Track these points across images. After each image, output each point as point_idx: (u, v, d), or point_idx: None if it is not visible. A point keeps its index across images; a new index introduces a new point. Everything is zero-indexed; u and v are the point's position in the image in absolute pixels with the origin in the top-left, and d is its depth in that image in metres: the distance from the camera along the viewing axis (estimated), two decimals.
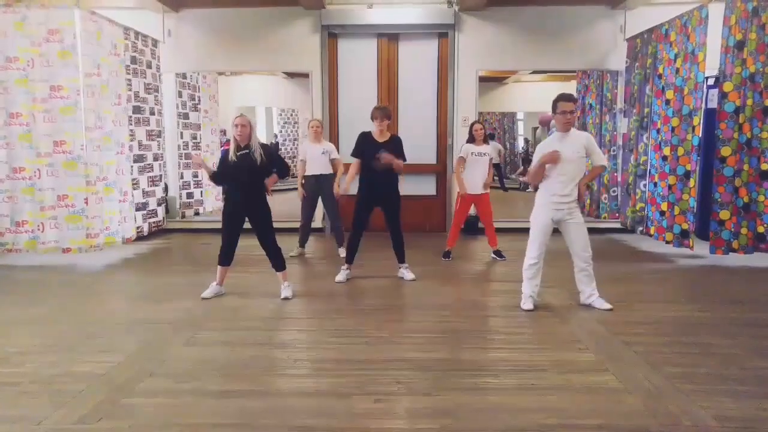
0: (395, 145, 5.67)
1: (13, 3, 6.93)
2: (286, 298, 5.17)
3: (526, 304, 4.85)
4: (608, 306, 4.80)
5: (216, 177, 5.20)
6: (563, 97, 4.64)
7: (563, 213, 4.71)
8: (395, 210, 5.76)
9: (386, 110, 5.69)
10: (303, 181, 6.93)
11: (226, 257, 5.22)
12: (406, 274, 5.90)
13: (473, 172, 6.65)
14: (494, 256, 6.89)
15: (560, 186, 4.66)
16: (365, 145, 5.64)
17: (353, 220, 5.73)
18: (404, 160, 5.69)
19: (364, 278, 5.91)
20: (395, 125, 8.71)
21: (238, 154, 4.96)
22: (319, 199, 7.07)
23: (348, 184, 5.89)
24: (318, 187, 6.90)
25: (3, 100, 6.71)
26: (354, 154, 5.74)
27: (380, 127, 5.59)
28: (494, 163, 7.06)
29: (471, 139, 6.70)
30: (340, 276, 5.81)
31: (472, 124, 6.81)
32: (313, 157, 6.85)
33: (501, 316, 4.77)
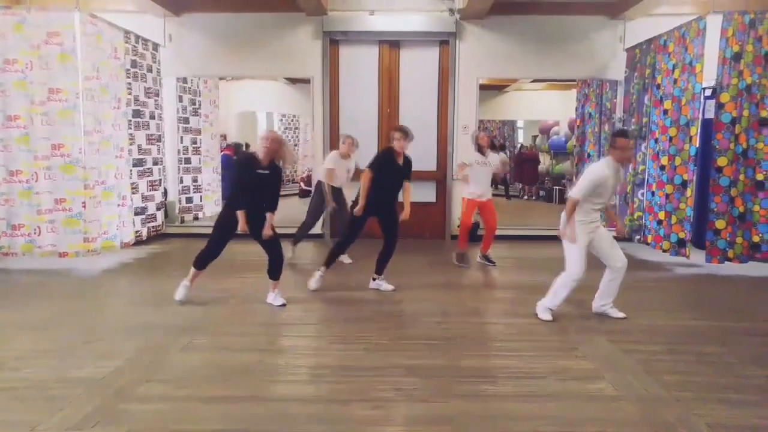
0: (408, 168, 5.67)
1: (13, 5, 6.95)
2: (283, 305, 5.13)
3: (545, 314, 4.82)
4: (621, 315, 4.83)
5: (240, 201, 4.99)
6: (621, 134, 4.83)
7: (592, 233, 4.72)
8: (395, 219, 5.66)
9: (409, 131, 5.61)
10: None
11: (204, 263, 5.13)
12: (383, 284, 5.77)
13: (477, 180, 6.72)
14: (481, 260, 6.96)
15: (597, 213, 4.72)
16: (386, 163, 5.55)
17: (350, 226, 5.69)
18: (409, 179, 5.70)
19: (364, 285, 5.87)
20: None
21: (258, 172, 4.88)
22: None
23: (362, 206, 5.53)
24: (338, 198, 6.96)
25: (1, 102, 6.68)
26: (372, 166, 5.57)
27: (400, 147, 5.52)
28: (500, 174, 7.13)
29: (478, 149, 6.76)
30: (314, 283, 5.67)
31: (477, 134, 6.87)
32: (341, 171, 6.87)
33: (500, 323, 4.78)
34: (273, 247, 5.10)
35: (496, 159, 6.85)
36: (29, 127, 6.71)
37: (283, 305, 5.14)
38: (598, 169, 4.62)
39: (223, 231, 5.10)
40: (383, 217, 5.68)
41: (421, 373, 3.64)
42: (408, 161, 5.70)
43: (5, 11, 6.70)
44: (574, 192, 4.64)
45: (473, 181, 6.74)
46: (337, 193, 6.95)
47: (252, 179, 4.90)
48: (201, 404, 3.22)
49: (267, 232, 4.95)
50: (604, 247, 4.77)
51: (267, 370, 3.74)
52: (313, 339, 4.42)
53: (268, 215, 4.97)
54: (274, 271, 5.19)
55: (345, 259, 6.81)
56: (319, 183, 6.95)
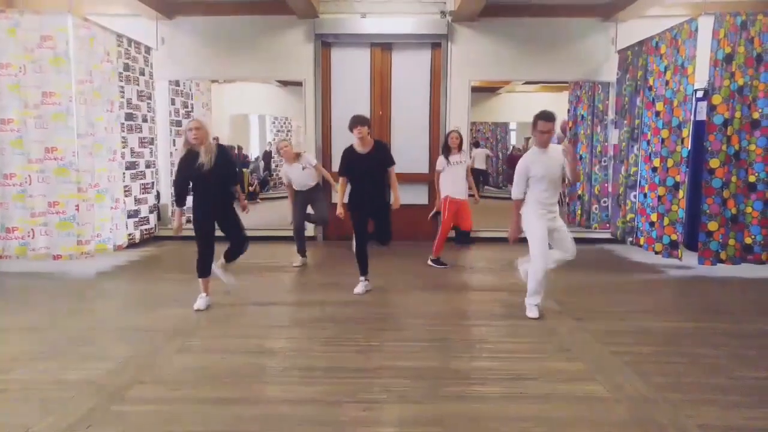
0: (381, 152, 5.58)
1: (6, 9, 6.94)
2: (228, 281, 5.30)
3: (532, 312, 4.89)
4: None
5: (181, 199, 5.09)
6: (542, 116, 4.70)
7: (548, 221, 4.82)
8: (386, 219, 5.65)
9: (360, 117, 5.51)
10: (294, 200, 6.97)
11: (206, 268, 5.08)
12: (359, 287, 5.72)
13: (453, 180, 6.76)
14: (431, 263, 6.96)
15: (546, 195, 4.79)
16: (350, 161, 5.53)
17: (355, 233, 5.66)
18: (393, 163, 5.60)
19: (355, 286, 5.87)
20: (388, 134, 8.75)
21: (199, 164, 4.87)
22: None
23: (342, 207, 5.66)
24: (309, 197, 6.98)
25: None
26: (341, 173, 5.61)
27: (359, 135, 5.43)
28: (480, 169, 7.18)
29: (446, 149, 6.77)
30: (359, 288, 5.71)
31: (449, 133, 6.88)
32: (296, 176, 6.84)
33: (490, 325, 4.78)
34: (236, 231, 5.19)
35: (466, 157, 6.82)
36: (23, 130, 6.71)
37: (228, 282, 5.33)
38: (520, 162, 4.86)
39: (202, 233, 5.06)
40: (374, 218, 5.66)
41: (411, 375, 3.65)
42: (378, 146, 5.60)
43: None
44: (512, 193, 4.90)
45: (447, 181, 6.77)
46: (306, 193, 6.95)
47: (197, 173, 4.89)
48: (194, 406, 3.23)
49: (243, 203, 5.31)
50: (560, 243, 4.90)
51: (259, 372, 3.75)
52: (304, 341, 4.42)
53: (235, 189, 5.22)
54: (235, 251, 5.26)
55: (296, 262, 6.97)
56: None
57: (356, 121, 5.42)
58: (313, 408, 3.21)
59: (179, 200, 5.09)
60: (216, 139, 12.73)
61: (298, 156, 6.86)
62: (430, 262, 6.93)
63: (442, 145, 6.94)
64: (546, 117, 4.68)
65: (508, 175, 15.80)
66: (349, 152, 5.55)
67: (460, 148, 6.77)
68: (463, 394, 3.38)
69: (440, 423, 3.03)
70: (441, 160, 6.83)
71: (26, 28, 6.61)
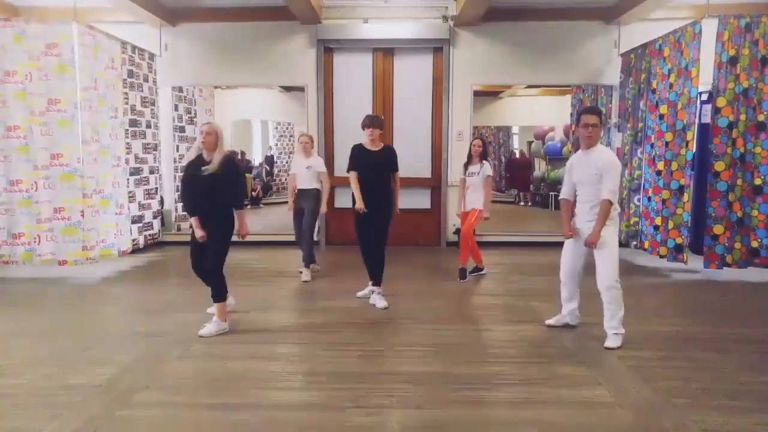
0: (389, 156, 5.56)
1: (12, 17, 6.98)
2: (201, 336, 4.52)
3: (550, 320, 4.80)
4: (617, 344, 4.29)
5: (195, 208, 4.59)
6: (586, 110, 4.32)
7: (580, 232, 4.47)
8: (385, 221, 5.48)
9: (376, 119, 5.56)
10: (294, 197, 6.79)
11: (217, 292, 4.62)
12: (378, 300, 5.44)
13: (468, 192, 6.56)
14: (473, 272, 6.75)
15: (579, 207, 4.47)
16: (360, 157, 5.49)
17: (359, 241, 5.52)
18: (397, 169, 5.57)
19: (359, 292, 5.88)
20: (390, 139, 8.76)
21: (203, 168, 4.48)
22: None
23: (361, 202, 5.37)
24: (302, 200, 6.69)
25: (1, 113, 6.72)
26: (351, 168, 5.50)
27: (371, 137, 5.46)
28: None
29: (469, 156, 6.61)
30: (363, 291, 5.65)
31: (471, 141, 6.69)
32: (298, 171, 6.71)
33: (495, 330, 4.78)
34: (211, 260, 4.61)
35: (481, 169, 6.47)
36: (29, 137, 6.75)
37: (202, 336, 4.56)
38: (573, 156, 4.59)
39: (195, 250, 4.74)
40: (374, 216, 5.45)
41: (415, 380, 3.64)
42: (387, 150, 5.58)
43: (4, 23, 6.73)
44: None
45: (467, 192, 6.59)
46: (305, 195, 6.68)
47: (198, 180, 4.50)
48: (197, 411, 3.23)
49: (244, 231, 4.74)
50: (594, 261, 4.39)
51: (262, 378, 3.74)
52: (306, 346, 4.42)
53: (237, 214, 4.67)
54: (213, 290, 4.66)
55: (303, 275, 6.56)
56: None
57: (369, 122, 5.48)
58: (316, 413, 3.20)
59: (193, 209, 4.61)
60: (235, 153, 12.66)
61: (310, 152, 6.75)
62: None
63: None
64: (589, 110, 4.31)
65: (509, 180, 15.78)
66: (358, 149, 5.55)
67: (481, 157, 6.48)
68: (467, 399, 3.37)
69: (444, 428, 3.02)
70: (462, 170, 6.66)
71: (32, 36, 6.65)
